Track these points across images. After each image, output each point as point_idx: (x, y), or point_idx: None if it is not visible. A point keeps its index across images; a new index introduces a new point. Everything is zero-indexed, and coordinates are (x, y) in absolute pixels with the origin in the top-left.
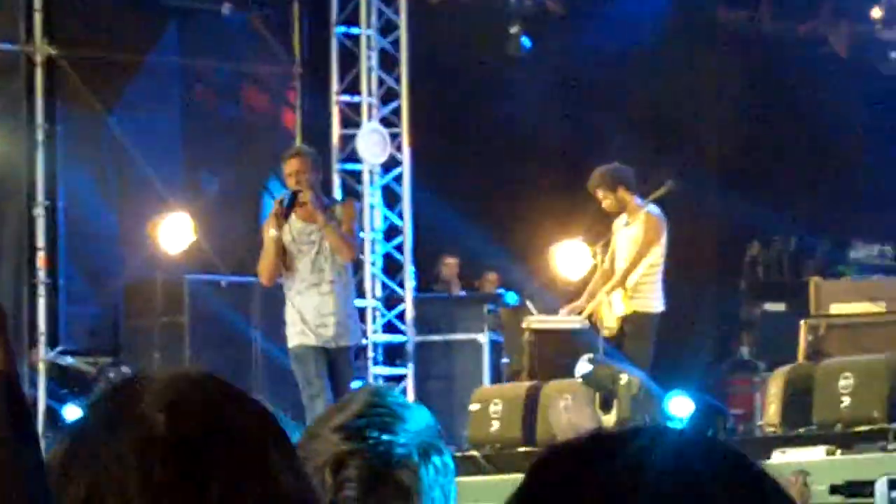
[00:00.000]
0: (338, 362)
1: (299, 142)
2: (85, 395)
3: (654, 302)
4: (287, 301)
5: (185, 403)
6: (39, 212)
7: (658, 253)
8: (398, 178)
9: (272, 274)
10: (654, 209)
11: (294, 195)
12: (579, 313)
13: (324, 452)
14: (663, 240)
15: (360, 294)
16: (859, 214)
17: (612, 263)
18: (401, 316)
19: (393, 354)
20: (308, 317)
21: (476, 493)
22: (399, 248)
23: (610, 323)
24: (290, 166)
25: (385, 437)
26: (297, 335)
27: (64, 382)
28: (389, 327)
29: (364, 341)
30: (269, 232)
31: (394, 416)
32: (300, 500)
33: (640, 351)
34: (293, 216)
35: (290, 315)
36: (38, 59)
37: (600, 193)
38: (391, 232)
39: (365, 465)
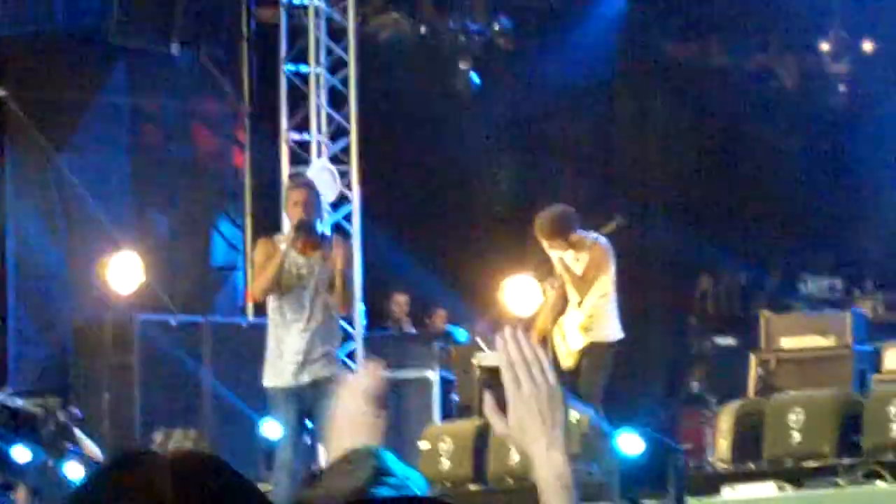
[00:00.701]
0: (314, 396)
1: (248, 181)
2: (33, 436)
3: (609, 331)
4: (270, 336)
5: (191, 477)
6: None
7: (607, 282)
8: (348, 216)
9: (268, 291)
10: (601, 239)
11: (308, 225)
12: None
13: None
14: (612, 269)
15: None
16: (809, 248)
17: (559, 297)
18: (351, 354)
19: None
20: (285, 354)
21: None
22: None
23: (566, 357)
24: (300, 195)
25: None
26: (270, 375)
27: (12, 423)
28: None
29: None
30: (281, 246)
31: (399, 485)
32: None
33: (594, 382)
34: (292, 251)
35: (270, 352)
36: None
37: (545, 243)
38: None
39: None
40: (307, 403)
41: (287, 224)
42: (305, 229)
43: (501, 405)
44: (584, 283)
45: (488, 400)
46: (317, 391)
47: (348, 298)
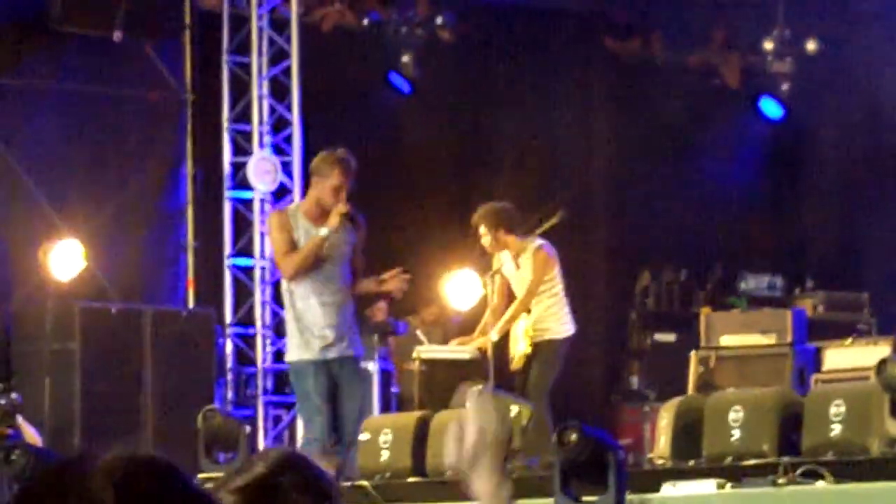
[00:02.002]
0: (342, 374)
1: (190, 169)
2: None
3: (562, 327)
4: (287, 308)
5: (132, 483)
6: None
7: (554, 283)
8: None
9: (303, 272)
10: (542, 244)
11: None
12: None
13: None
14: (556, 270)
15: (250, 322)
16: (750, 246)
17: (501, 300)
18: None
19: (282, 382)
20: (309, 327)
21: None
22: None
23: (512, 360)
24: (345, 182)
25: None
26: (295, 348)
27: None
28: (279, 355)
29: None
30: (322, 231)
31: (295, 483)
32: None
33: (542, 379)
34: (313, 225)
35: (291, 325)
36: None
37: (482, 229)
38: None
39: None
40: (331, 379)
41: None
42: (349, 219)
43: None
44: (527, 291)
45: (454, 427)
46: (342, 370)
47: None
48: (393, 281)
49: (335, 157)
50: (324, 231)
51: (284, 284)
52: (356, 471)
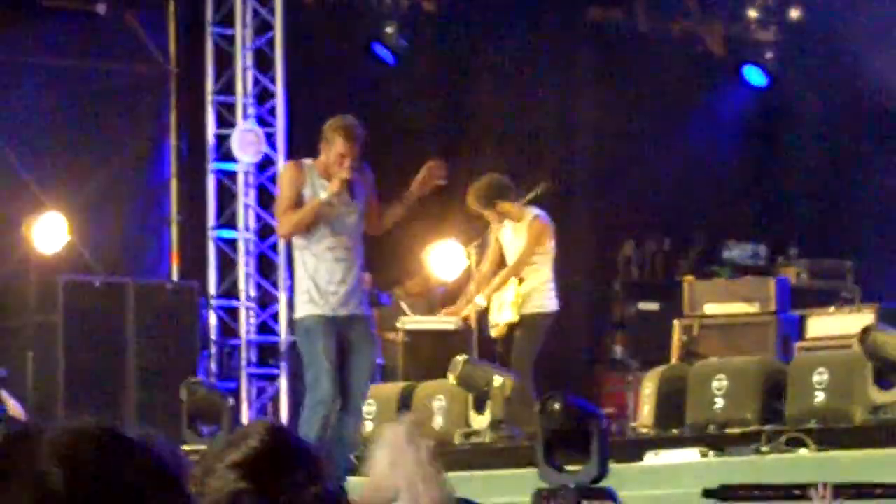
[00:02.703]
0: (353, 332)
1: (174, 141)
2: None
3: (548, 302)
4: (298, 265)
5: (81, 459)
6: None
7: (549, 255)
8: (273, 178)
9: (299, 233)
10: (539, 213)
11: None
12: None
13: (218, 490)
14: (550, 244)
15: (234, 294)
16: (733, 215)
17: (491, 267)
18: (275, 316)
19: (266, 354)
20: (321, 283)
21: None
22: (273, 247)
23: (493, 327)
24: (350, 150)
25: (280, 478)
26: (306, 304)
27: None
28: (263, 327)
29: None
30: (321, 194)
31: (290, 455)
32: None
33: (526, 352)
34: (319, 176)
35: (302, 282)
36: None
37: (480, 211)
38: (265, 231)
39: None
40: (341, 338)
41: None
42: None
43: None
44: (519, 258)
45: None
46: (352, 329)
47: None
48: (428, 175)
49: (339, 124)
50: (324, 196)
51: (296, 241)
52: (357, 440)
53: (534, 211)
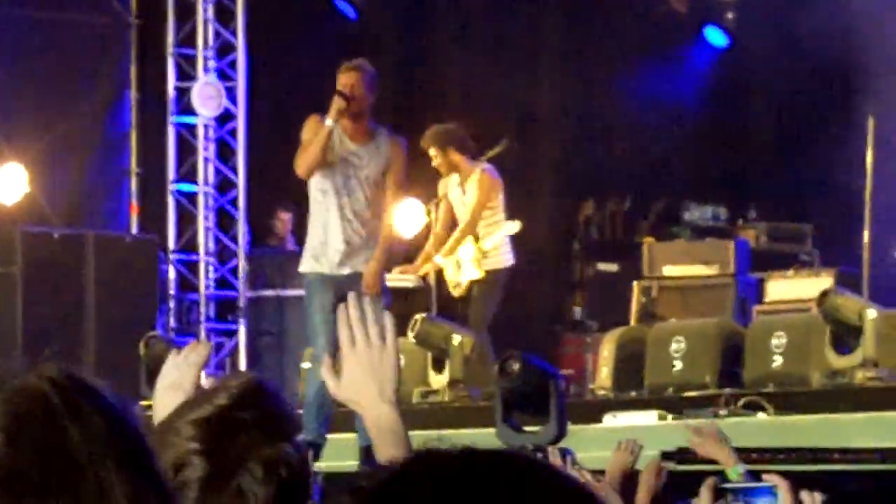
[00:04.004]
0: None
1: (134, 94)
2: None
3: (503, 257)
4: (315, 217)
5: (25, 424)
6: None
7: (498, 210)
8: (233, 132)
9: (312, 168)
10: (488, 168)
11: (345, 97)
12: (415, 273)
13: (173, 448)
14: (500, 198)
15: (193, 249)
16: (694, 175)
17: (444, 226)
18: (233, 271)
19: (225, 310)
20: (329, 239)
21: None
22: (233, 202)
23: (455, 287)
24: (346, 79)
25: (234, 438)
26: (310, 260)
27: None
28: (222, 282)
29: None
30: (327, 121)
31: (253, 416)
32: None
33: (484, 309)
34: (345, 136)
35: (312, 236)
36: None
37: (431, 152)
38: (225, 186)
39: (206, 468)
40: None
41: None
42: (345, 98)
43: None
44: (472, 214)
45: (326, 361)
46: (353, 285)
47: (398, 194)
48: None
49: (343, 66)
50: (328, 122)
51: (312, 192)
52: None
53: (481, 165)
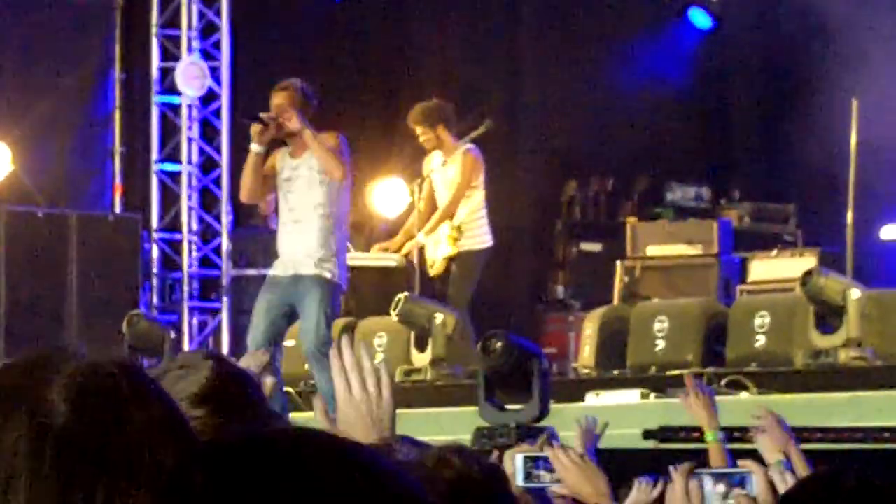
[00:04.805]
0: (296, 292)
1: (118, 73)
2: None
3: (480, 238)
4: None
5: (91, 396)
6: None
7: (479, 189)
8: (217, 112)
9: (249, 191)
10: (471, 147)
11: (260, 119)
12: (396, 251)
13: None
14: (482, 178)
15: (176, 228)
16: (677, 156)
17: (427, 204)
18: (217, 250)
19: (208, 288)
20: (280, 249)
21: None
22: (216, 181)
23: (432, 266)
24: (274, 100)
25: (242, 406)
26: (270, 269)
27: None
28: (205, 261)
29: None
30: (252, 148)
31: (241, 383)
32: None
33: (462, 289)
34: (288, 155)
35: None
36: None
37: (419, 129)
38: (209, 165)
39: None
40: (286, 299)
41: None
42: (261, 122)
43: None
44: (455, 193)
45: (318, 404)
46: (297, 286)
47: (332, 160)
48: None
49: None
50: (253, 147)
51: None
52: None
53: (465, 145)
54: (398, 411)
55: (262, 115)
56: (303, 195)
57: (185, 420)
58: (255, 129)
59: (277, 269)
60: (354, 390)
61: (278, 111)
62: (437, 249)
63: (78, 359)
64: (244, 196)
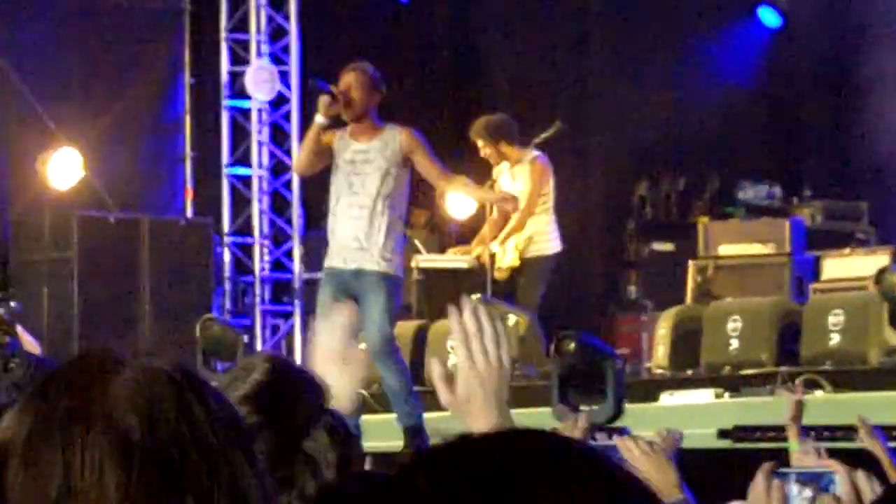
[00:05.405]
0: (359, 287)
1: (187, 78)
2: None
3: (550, 244)
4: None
5: (158, 407)
6: None
7: (549, 197)
8: (286, 116)
9: (305, 164)
10: (538, 155)
11: (331, 93)
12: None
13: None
14: (551, 184)
15: (248, 232)
16: (748, 154)
17: (500, 212)
18: (288, 253)
19: (280, 292)
20: (337, 236)
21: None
22: (287, 185)
23: (498, 271)
24: (342, 82)
25: (293, 407)
26: (325, 257)
27: None
28: (277, 265)
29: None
30: (315, 118)
31: (296, 385)
32: None
33: (533, 293)
34: (350, 138)
35: (329, 240)
36: None
37: (480, 143)
38: (279, 169)
39: (273, 438)
40: (349, 290)
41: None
42: (332, 96)
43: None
44: (526, 204)
45: (437, 368)
46: (360, 281)
47: (439, 175)
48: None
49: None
50: (318, 119)
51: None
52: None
53: (533, 152)
54: None
55: (332, 87)
56: (371, 184)
57: (240, 417)
58: (323, 99)
59: (336, 260)
60: (478, 361)
61: (345, 89)
62: (505, 257)
63: (132, 368)
64: (298, 167)
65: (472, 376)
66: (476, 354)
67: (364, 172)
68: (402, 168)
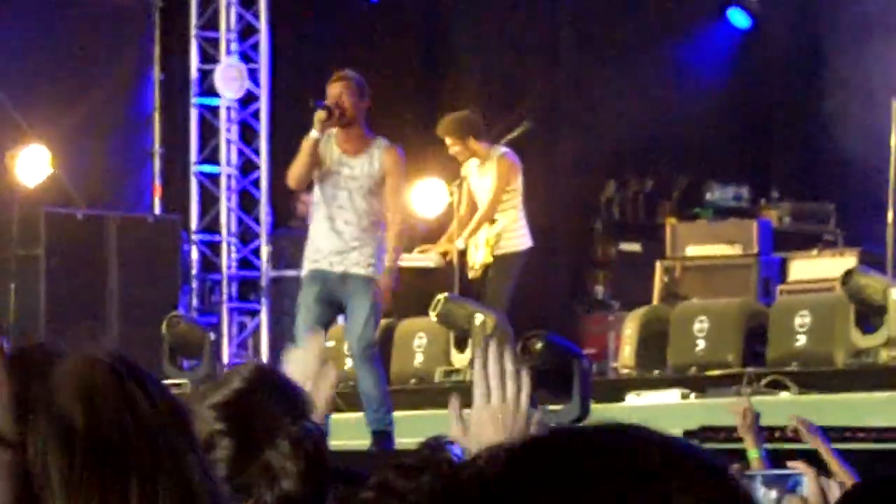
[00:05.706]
0: (345, 291)
1: (157, 75)
2: None
3: (520, 240)
4: (310, 228)
5: (99, 395)
6: None
7: (516, 193)
8: (255, 114)
9: (302, 178)
10: (506, 151)
11: (327, 108)
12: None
13: (198, 431)
14: (519, 181)
15: (216, 229)
16: (716, 156)
17: (467, 209)
18: (256, 251)
19: (247, 289)
20: (321, 246)
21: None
22: (255, 183)
23: (471, 269)
24: (331, 91)
25: (258, 417)
26: (307, 262)
27: None
28: (244, 263)
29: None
30: (310, 133)
31: (271, 397)
32: (211, 497)
33: (501, 290)
34: (337, 146)
35: (308, 247)
36: None
37: (449, 140)
38: (248, 167)
39: (234, 446)
40: (334, 294)
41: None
42: (327, 110)
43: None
44: (492, 198)
45: (453, 403)
46: (346, 285)
47: (398, 205)
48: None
49: (331, 77)
50: (313, 133)
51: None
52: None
53: (500, 149)
54: (437, 412)
55: (327, 102)
56: (359, 198)
57: (182, 406)
58: (319, 115)
59: (323, 263)
60: (494, 398)
61: (337, 100)
62: (477, 254)
63: (72, 355)
64: (293, 182)
65: (486, 415)
66: (493, 393)
67: (349, 188)
68: (383, 184)
